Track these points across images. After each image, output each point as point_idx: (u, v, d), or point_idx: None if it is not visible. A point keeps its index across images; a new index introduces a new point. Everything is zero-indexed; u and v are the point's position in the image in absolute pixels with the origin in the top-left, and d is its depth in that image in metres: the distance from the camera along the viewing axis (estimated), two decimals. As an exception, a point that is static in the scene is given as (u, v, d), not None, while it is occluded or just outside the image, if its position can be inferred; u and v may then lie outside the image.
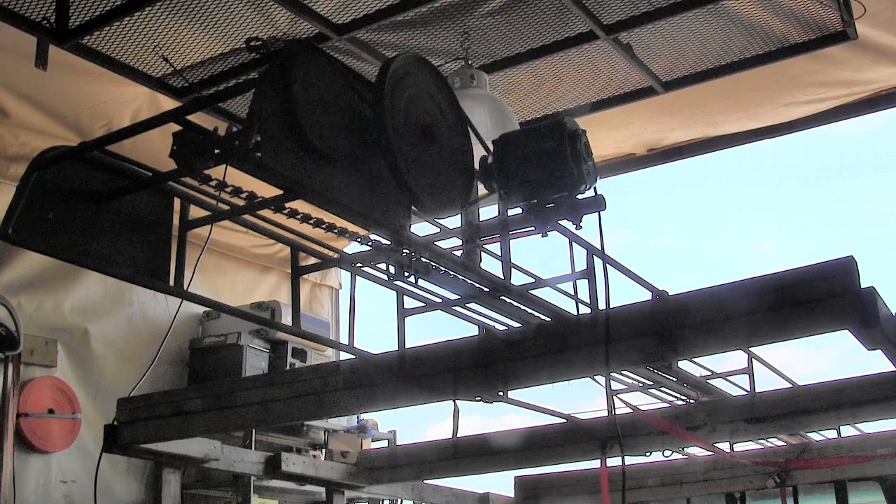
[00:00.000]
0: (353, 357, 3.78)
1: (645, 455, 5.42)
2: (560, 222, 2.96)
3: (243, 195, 2.60)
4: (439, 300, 3.49)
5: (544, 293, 3.46)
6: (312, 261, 3.41)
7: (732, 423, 4.74)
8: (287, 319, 4.21)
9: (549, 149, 2.82)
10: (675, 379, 4.85)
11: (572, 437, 5.19)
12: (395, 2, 4.25)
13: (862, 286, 2.94)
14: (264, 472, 5.31)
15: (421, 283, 3.12)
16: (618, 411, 4.88)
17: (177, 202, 2.85)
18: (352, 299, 3.56)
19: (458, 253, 3.09)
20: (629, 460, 5.70)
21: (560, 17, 4.46)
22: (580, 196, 2.87)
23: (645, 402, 5.25)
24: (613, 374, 4.54)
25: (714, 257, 19.46)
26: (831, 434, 5.90)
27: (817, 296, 2.97)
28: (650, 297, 3.82)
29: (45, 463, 5.08)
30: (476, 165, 2.96)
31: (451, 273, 3.07)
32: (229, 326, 5.96)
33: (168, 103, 4.90)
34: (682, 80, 5.09)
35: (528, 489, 6.72)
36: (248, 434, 5.52)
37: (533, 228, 3.02)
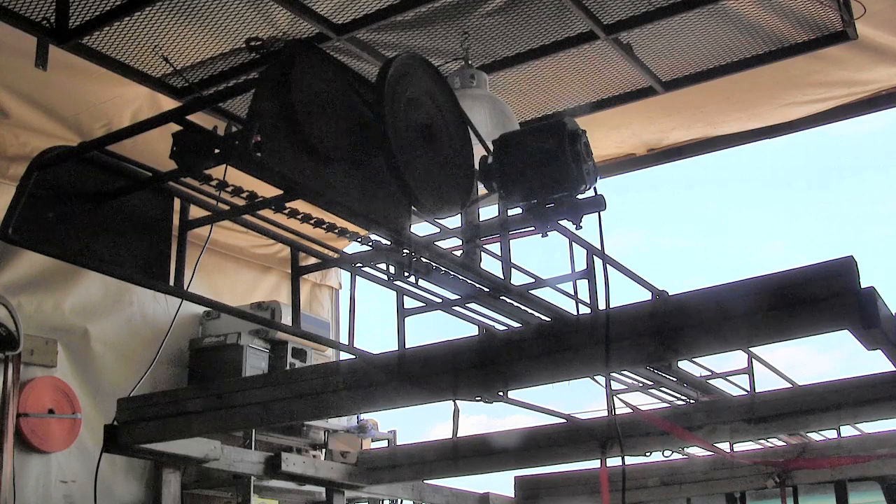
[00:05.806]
0: (353, 357, 3.78)
1: (645, 455, 5.43)
2: (560, 222, 2.97)
3: (243, 195, 2.60)
4: (439, 300, 3.49)
5: (544, 293, 3.47)
6: (312, 261, 3.41)
7: (732, 423, 4.74)
8: (287, 319, 4.21)
9: (549, 149, 2.82)
10: (675, 379, 4.85)
11: (572, 437, 5.19)
12: (395, 2, 4.24)
13: (862, 286, 2.94)
14: (264, 472, 5.31)
15: (421, 283, 3.12)
16: (618, 411, 4.88)
17: (177, 202, 2.85)
18: (352, 299, 3.56)
19: (458, 253, 3.09)
20: (629, 460, 5.70)
21: (560, 17, 4.46)
22: (580, 196, 2.87)
23: (645, 402, 5.26)
24: (613, 374, 4.54)
25: (714, 258, 19.47)
26: (831, 434, 5.89)
27: (817, 296, 2.97)
28: (650, 298, 3.83)
29: (45, 463, 5.07)
30: (476, 165, 2.96)
31: (451, 273, 3.07)
32: (229, 326, 5.96)
33: (168, 103, 4.90)
34: (682, 80, 5.09)
35: (528, 489, 6.72)
36: (248, 434, 5.52)
37: (533, 228, 3.02)
